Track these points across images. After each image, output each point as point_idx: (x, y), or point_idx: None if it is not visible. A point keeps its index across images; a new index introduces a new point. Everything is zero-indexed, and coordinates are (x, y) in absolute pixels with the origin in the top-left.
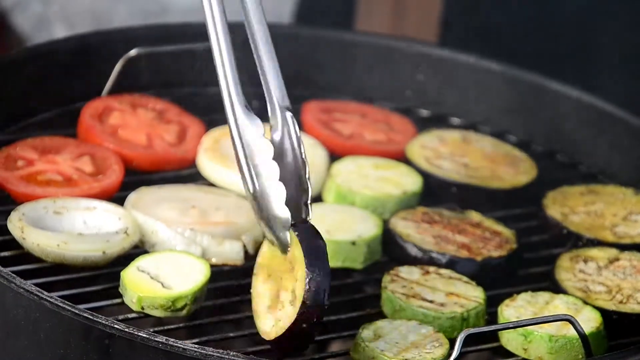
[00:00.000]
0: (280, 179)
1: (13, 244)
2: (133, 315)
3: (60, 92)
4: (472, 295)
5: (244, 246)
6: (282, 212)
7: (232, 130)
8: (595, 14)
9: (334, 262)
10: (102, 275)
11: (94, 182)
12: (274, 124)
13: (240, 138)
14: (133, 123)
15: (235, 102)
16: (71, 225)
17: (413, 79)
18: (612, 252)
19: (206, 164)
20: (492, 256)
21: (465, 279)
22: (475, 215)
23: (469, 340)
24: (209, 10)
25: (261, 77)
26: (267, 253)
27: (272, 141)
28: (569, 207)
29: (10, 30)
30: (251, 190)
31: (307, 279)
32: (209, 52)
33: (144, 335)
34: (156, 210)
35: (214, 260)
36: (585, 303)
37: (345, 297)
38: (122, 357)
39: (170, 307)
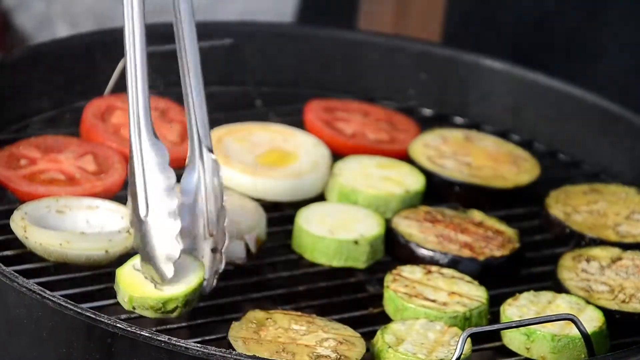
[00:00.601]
0: (183, 215)
1: (15, 243)
2: (135, 314)
3: (63, 91)
4: (475, 294)
5: (247, 245)
6: (171, 246)
7: (133, 153)
8: (600, 13)
9: (336, 262)
10: (105, 274)
11: (96, 181)
12: (191, 161)
13: (142, 163)
14: None
15: (142, 127)
16: (74, 224)
17: (416, 78)
18: (615, 251)
19: None
20: (495, 255)
21: (467, 278)
22: (477, 215)
23: (471, 340)
24: (130, 34)
25: (186, 110)
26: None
27: (183, 177)
28: (572, 206)
29: (13, 29)
30: (142, 214)
31: None
32: (210, 50)
33: (147, 334)
34: None
35: None
36: (588, 302)
37: (348, 297)
38: (124, 356)
39: (161, 309)
